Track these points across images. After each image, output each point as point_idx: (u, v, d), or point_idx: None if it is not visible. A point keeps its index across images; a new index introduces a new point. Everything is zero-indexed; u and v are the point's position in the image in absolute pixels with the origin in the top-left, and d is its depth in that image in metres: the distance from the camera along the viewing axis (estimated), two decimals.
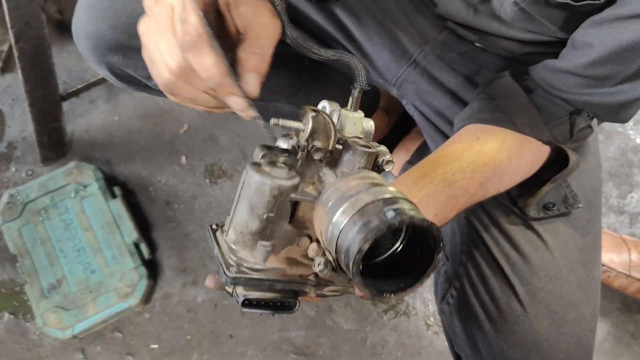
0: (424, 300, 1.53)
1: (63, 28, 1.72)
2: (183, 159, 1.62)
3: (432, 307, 1.53)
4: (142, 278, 1.40)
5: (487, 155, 0.78)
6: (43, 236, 1.43)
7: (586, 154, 0.95)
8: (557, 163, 0.86)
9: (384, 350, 1.47)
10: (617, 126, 1.80)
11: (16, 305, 1.44)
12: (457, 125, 0.85)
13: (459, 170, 0.75)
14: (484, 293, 0.88)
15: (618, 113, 0.84)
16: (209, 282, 0.66)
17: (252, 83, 0.61)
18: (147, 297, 1.44)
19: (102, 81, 1.52)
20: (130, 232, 1.45)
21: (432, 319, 1.51)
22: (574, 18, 0.76)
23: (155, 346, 1.43)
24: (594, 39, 0.74)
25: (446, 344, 1.49)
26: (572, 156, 0.84)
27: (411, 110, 1.07)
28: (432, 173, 0.76)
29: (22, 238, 1.43)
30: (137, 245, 1.45)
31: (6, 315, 1.43)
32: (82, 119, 1.64)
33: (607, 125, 1.78)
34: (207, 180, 1.61)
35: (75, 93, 1.47)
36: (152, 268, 1.48)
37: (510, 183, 0.84)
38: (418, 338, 1.49)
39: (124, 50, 0.95)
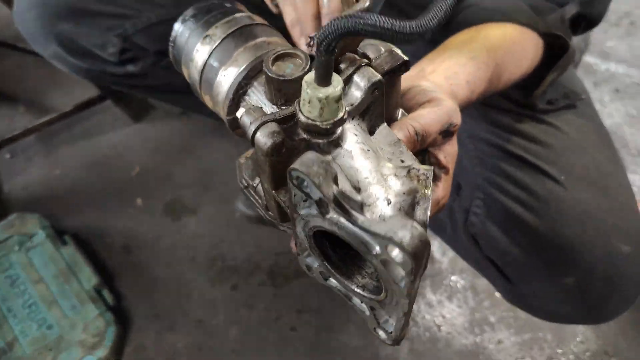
0: (428, 302, 1.39)
1: None
2: (139, 200, 1.47)
3: (438, 308, 1.39)
4: (110, 324, 1.19)
5: (495, 40, 0.75)
6: None
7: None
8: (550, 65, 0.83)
9: None
10: None
11: None
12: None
13: (474, 49, 0.70)
14: (514, 188, 0.80)
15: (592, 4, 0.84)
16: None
17: None
18: (118, 348, 1.21)
19: (27, 133, 1.38)
20: (89, 277, 1.25)
21: (440, 318, 1.37)
22: None
23: None
24: None
25: (463, 341, 1.36)
26: (570, 41, 0.81)
27: None
28: (447, 52, 0.69)
29: None
30: (98, 292, 1.25)
31: None
32: (19, 177, 1.48)
33: None
34: (169, 218, 1.46)
35: None
36: (120, 318, 1.27)
37: (518, 70, 0.79)
38: (433, 342, 1.33)
39: (75, 15, 0.89)
